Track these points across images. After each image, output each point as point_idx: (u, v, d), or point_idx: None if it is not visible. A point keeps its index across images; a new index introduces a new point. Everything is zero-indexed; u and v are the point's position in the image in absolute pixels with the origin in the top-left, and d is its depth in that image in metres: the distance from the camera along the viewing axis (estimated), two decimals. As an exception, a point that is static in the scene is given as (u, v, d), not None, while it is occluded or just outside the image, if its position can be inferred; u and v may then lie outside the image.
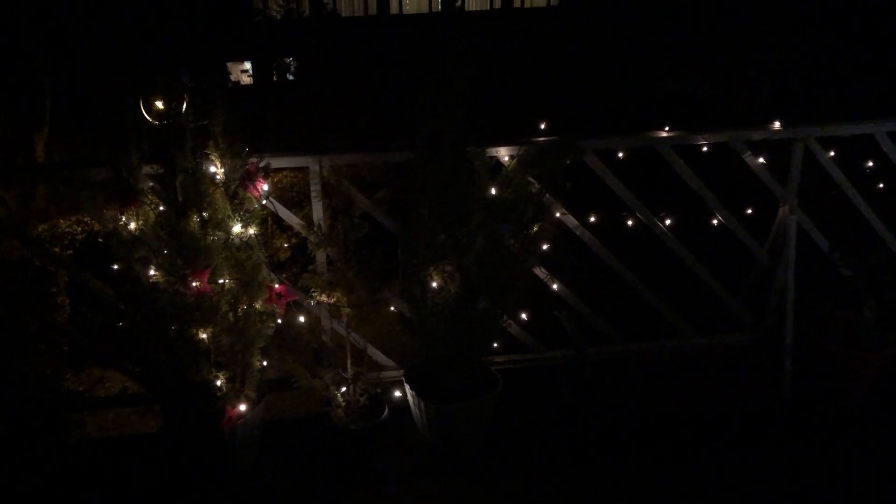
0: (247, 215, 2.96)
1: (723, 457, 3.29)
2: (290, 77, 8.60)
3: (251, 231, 2.97)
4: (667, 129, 3.52)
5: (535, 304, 3.59)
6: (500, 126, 3.35)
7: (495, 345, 3.45)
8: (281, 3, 8.25)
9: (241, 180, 2.95)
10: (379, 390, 3.33)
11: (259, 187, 2.98)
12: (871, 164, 3.95)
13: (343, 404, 3.17)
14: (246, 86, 8.53)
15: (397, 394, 3.41)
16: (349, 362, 3.23)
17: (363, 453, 3.22)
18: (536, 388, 3.76)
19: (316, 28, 8.70)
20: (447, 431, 3.24)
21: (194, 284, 2.79)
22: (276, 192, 5.26)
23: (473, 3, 10.97)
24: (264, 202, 3.07)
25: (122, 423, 3.86)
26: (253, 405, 3.07)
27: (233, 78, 8.35)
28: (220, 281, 2.90)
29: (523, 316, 3.64)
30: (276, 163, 3.24)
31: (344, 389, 3.18)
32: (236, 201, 2.96)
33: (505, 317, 3.29)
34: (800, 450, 3.33)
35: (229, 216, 2.93)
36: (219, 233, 2.90)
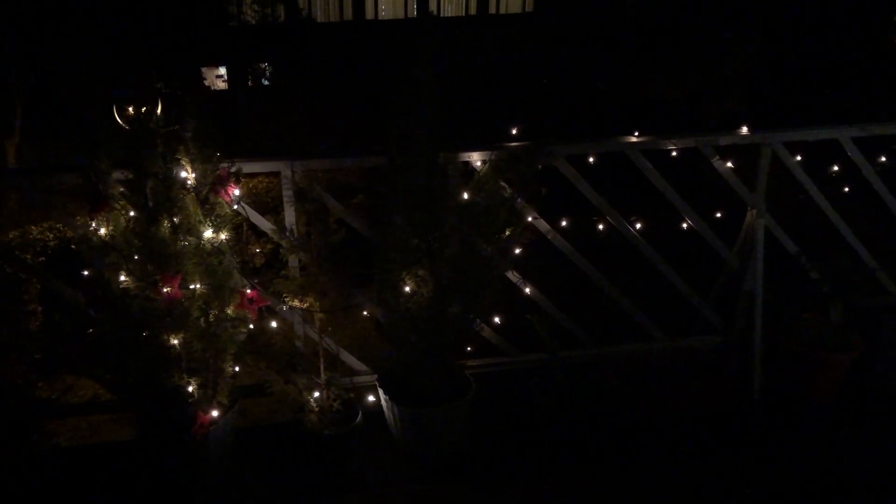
0: (218, 220, 2.95)
1: (696, 459, 3.32)
2: (266, 82, 8.59)
3: (222, 236, 2.97)
4: (636, 134, 3.57)
5: (508, 308, 3.61)
6: (475, 131, 3.37)
7: (469, 348, 3.46)
8: (256, 8, 8.24)
9: (212, 185, 2.95)
10: (353, 395, 3.33)
11: (230, 192, 2.98)
12: (836, 168, 4.02)
13: (317, 410, 3.17)
14: (221, 90, 8.50)
15: (371, 399, 3.41)
16: (322, 368, 3.23)
17: (337, 458, 3.22)
18: (510, 391, 3.77)
19: (291, 33, 8.70)
20: (421, 436, 3.25)
21: (165, 290, 2.78)
22: (251, 198, 5.25)
23: (449, 8, 11.00)
24: (235, 207, 3.07)
25: (97, 430, 3.83)
26: (226, 411, 3.06)
27: (207, 83, 8.31)
28: (192, 286, 2.89)
29: (496, 320, 3.66)
30: (248, 168, 3.23)
31: (317, 395, 3.18)
32: (207, 206, 2.95)
33: (478, 320, 3.30)
34: (771, 450, 3.38)
35: (200, 221, 2.92)
36: (189, 238, 2.89)
